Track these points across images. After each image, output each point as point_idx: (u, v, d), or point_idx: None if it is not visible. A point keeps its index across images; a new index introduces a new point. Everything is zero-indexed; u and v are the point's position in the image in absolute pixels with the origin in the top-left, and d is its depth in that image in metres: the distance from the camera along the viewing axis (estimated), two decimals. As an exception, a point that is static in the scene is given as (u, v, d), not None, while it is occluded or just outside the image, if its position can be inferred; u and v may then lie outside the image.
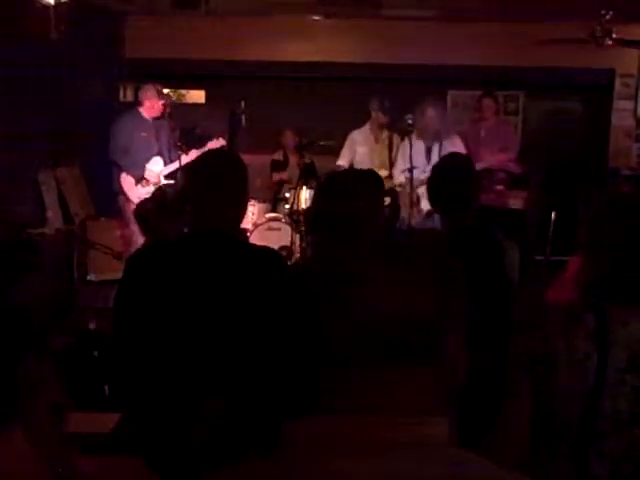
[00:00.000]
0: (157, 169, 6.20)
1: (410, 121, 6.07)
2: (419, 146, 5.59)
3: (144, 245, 2.36)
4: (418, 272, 0.91)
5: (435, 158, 5.23)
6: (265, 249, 2.34)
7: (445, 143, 5.49)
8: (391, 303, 0.88)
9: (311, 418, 0.90)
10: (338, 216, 1.81)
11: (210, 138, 6.36)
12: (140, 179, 6.16)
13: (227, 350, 2.02)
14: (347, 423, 0.87)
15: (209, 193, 2.15)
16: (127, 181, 6.15)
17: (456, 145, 5.57)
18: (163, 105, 6.22)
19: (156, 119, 6.24)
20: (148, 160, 6.17)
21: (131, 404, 2.29)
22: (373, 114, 6.49)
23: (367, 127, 6.58)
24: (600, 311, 1.59)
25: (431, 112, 5.54)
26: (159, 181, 6.19)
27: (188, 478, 2.07)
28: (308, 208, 6.16)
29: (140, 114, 6.21)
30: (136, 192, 6.14)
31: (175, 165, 6.17)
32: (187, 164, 5.73)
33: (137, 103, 6.34)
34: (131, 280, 2.19)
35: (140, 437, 2.21)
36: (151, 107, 6.17)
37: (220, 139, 6.34)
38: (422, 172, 5.31)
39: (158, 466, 2.16)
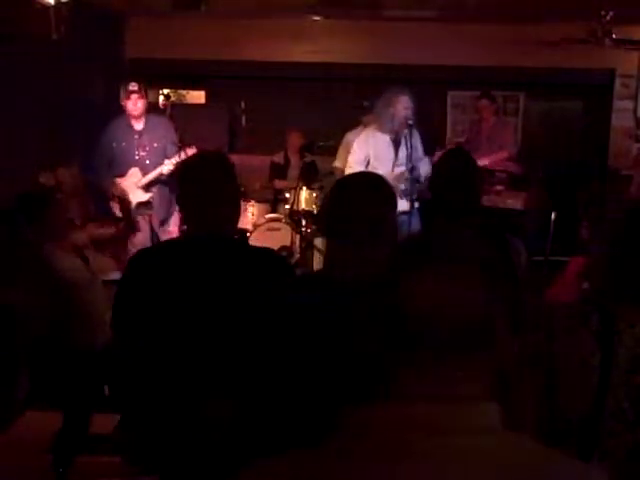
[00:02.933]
0: (132, 181, 5.67)
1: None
2: (382, 139, 5.08)
3: (143, 248, 2.37)
4: (474, 266, 0.95)
5: (403, 152, 4.93)
6: (264, 250, 2.34)
7: (415, 134, 4.98)
8: (461, 297, 0.92)
9: (368, 406, 0.93)
10: (354, 221, 1.82)
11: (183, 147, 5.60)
12: (112, 195, 5.73)
13: (229, 351, 2.02)
14: (416, 408, 0.90)
15: (201, 196, 2.14)
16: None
17: (415, 137, 5.07)
18: (137, 100, 5.57)
19: (148, 121, 5.68)
20: (124, 172, 5.67)
21: (130, 406, 2.29)
22: (360, 117, 6.56)
23: (360, 128, 6.59)
24: (606, 311, 1.59)
25: (405, 101, 4.94)
26: (125, 194, 5.65)
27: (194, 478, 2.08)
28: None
29: (124, 121, 5.69)
30: (117, 206, 5.73)
31: (156, 172, 5.61)
32: (176, 169, 5.27)
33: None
34: (131, 282, 2.19)
35: (141, 439, 2.21)
36: (128, 107, 5.61)
37: (193, 147, 5.46)
38: (392, 168, 4.97)
39: (162, 467, 2.17)
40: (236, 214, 2.26)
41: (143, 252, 2.30)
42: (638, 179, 6.93)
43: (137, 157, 5.66)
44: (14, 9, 5.59)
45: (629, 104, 8.16)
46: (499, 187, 6.42)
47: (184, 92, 8.95)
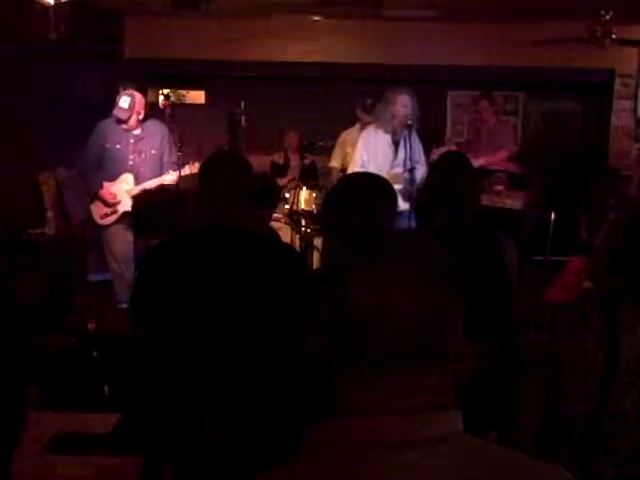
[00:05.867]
0: (123, 188, 5.30)
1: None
2: (383, 138, 5.03)
3: (161, 241, 2.48)
4: (421, 271, 0.91)
5: (402, 152, 4.88)
6: (276, 242, 2.43)
7: (414, 135, 4.92)
8: (408, 301, 0.88)
9: (330, 421, 0.90)
10: (355, 223, 1.83)
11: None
12: (94, 198, 5.31)
13: (242, 344, 2.08)
14: (368, 424, 0.88)
15: (219, 192, 2.28)
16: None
17: (416, 139, 5.02)
18: (136, 112, 5.23)
19: (145, 126, 5.34)
20: (115, 177, 5.29)
21: (142, 397, 2.37)
22: (358, 114, 6.51)
23: (357, 127, 6.57)
24: (610, 312, 1.59)
25: (406, 100, 4.89)
26: (116, 201, 5.28)
27: (202, 470, 2.10)
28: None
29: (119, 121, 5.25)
30: (96, 210, 5.35)
31: (156, 182, 5.25)
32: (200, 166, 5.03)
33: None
34: (149, 272, 2.30)
35: (149, 435, 2.26)
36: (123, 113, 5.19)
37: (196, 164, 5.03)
38: (390, 168, 4.91)
39: (172, 464, 2.19)
40: (250, 209, 2.39)
41: (162, 244, 2.43)
42: (638, 179, 6.93)
43: (131, 162, 5.29)
44: (14, 9, 5.60)
45: (629, 104, 8.16)
46: (499, 187, 6.41)
47: (184, 92, 8.94)
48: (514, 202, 6.49)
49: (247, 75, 8.14)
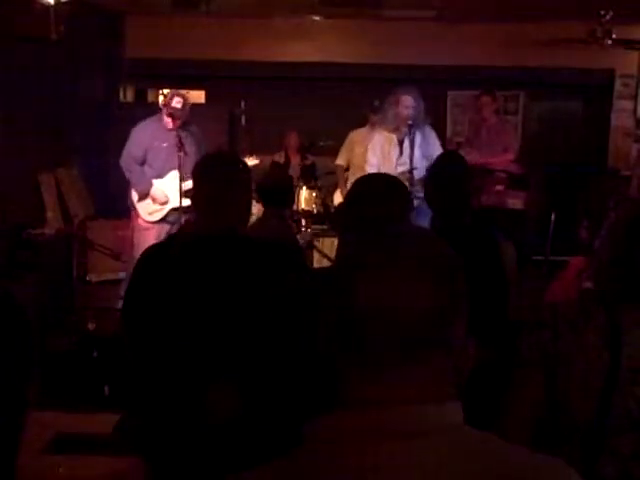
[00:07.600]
0: (174, 185, 5.45)
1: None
2: (389, 138, 5.09)
3: (154, 244, 2.43)
4: (423, 268, 0.91)
5: (407, 150, 4.94)
6: (275, 245, 2.39)
7: (418, 133, 4.99)
8: (409, 297, 0.89)
9: (331, 413, 0.91)
10: (371, 218, 1.85)
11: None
12: (144, 196, 5.56)
13: (240, 343, 2.06)
14: (368, 416, 0.89)
15: (215, 195, 2.19)
16: (134, 195, 5.62)
17: (428, 135, 5.11)
18: (176, 113, 5.53)
19: (183, 126, 5.59)
20: (164, 174, 5.55)
21: (140, 399, 2.33)
22: (367, 114, 6.52)
23: (366, 128, 6.57)
24: (613, 310, 1.59)
25: (409, 101, 4.94)
26: (167, 200, 5.55)
27: (203, 469, 2.10)
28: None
29: (164, 122, 5.54)
30: (145, 207, 5.60)
31: None
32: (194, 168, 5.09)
33: (159, 109, 5.72)
34: (142, 276, 2.23)
35: (151, 432, 2.23)
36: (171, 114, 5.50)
37: None
38: (395, 167, 4.95)
39: (171, 459, 2.19)
40: (247, 213, 2.33)
41: (155, 247, 2.36)
42: (638, 179, 6.93)
43: (179, 160, 5.40)
44: (14, 9, 5.59)
45: (629, 104, 8.16)
46: (499, 187, 6.42)
47: (184, 92, 8.94)
48: (514, 202, 6.50)
49: (247, 75, 8.14)
